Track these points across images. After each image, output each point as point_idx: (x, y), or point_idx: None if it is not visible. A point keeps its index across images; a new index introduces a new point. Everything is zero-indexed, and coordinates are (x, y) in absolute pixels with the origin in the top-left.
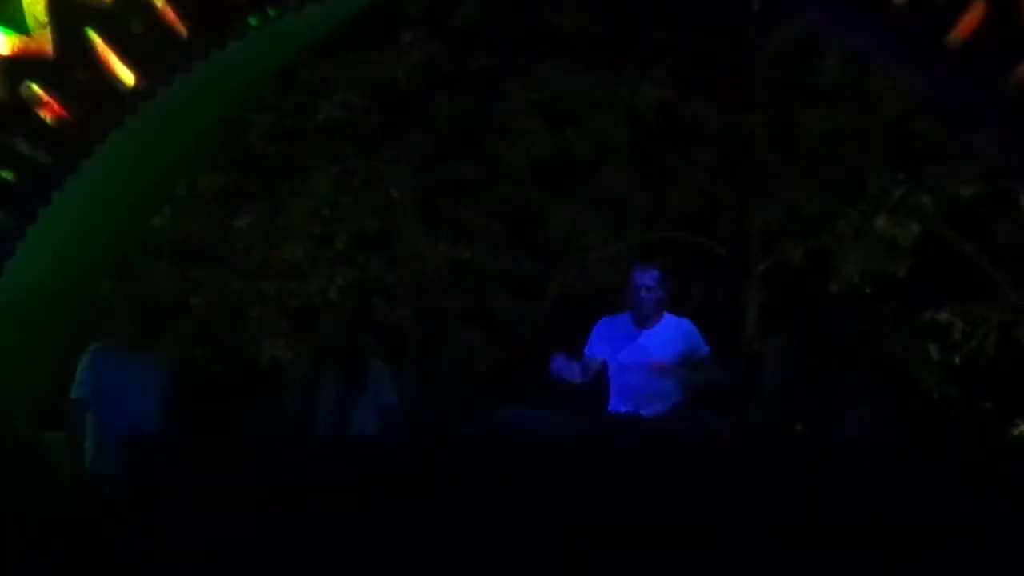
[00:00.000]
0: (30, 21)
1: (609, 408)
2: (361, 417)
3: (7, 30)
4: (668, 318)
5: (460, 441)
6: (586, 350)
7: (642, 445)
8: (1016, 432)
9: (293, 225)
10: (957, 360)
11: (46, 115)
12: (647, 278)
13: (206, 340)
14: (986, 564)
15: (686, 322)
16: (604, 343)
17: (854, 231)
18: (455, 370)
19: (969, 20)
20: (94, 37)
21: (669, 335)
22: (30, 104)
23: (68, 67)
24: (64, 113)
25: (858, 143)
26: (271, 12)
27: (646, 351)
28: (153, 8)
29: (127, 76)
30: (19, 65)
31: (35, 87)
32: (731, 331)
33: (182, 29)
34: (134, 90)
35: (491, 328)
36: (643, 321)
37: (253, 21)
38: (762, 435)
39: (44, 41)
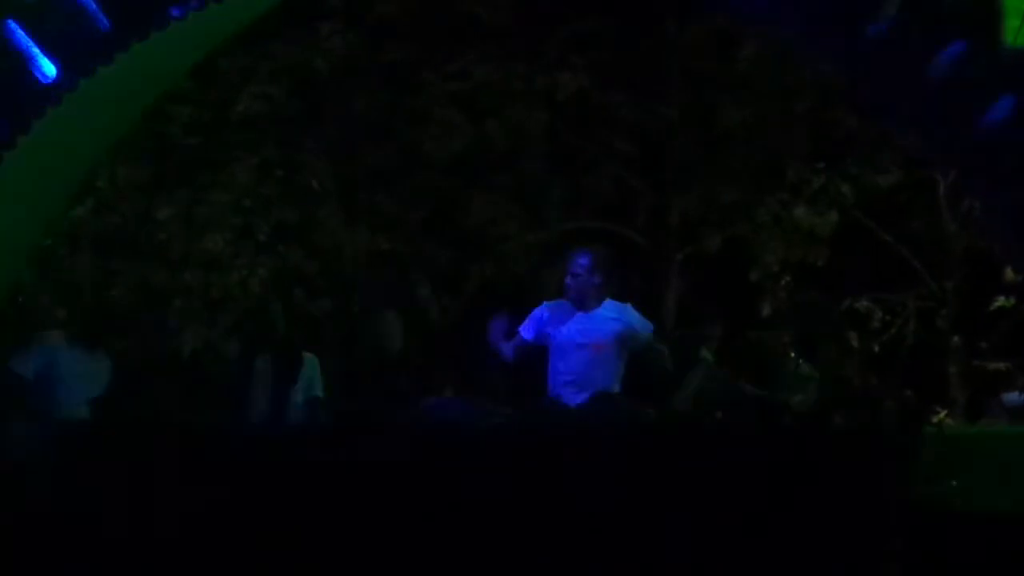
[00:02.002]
0: None
1: (549, 391)
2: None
3: None
4: (608, 302)
5: (382, 429)
6: (520, 328)
7: (559, 433)
8: (935, 420)
9: (214, 216)
10: (876, 348)
11: None
12: (577, 265)
13: (129, 332)
14: (904, 550)
15: (626, 306)
16: (540, 325)
17: (773, 220)
18: (375, 360)
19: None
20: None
21: (605, 317)
22: None
23: None
24: None
25: (776, 132)
26: (192, 3)
27: (582, 333)
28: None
29: (49, 67)
30: None
31: None
32: (651, 320)
33: (104, 21)
34: (56, 81)
35: (411, 317)
36: (580, 304)
37: (175, 12)
38: (681, 423)
39: None
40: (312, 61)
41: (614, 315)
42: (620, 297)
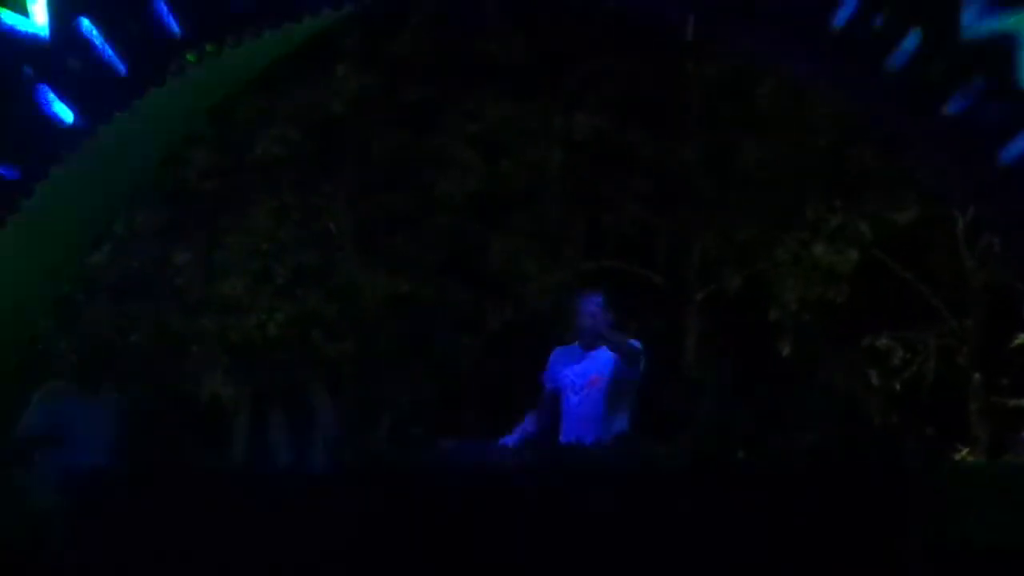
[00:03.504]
0: None
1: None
2: (310, 450)
3: None
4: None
5: (400, 472)
6: (543, 377)
7: (581, 475)
8: (957, 457)
9: (232, 260)
10: (897, 386)
11: None
12: (591, 305)
13: (146, 377)
14: None
15: (634, 342)
16: (553, 367)
17: (792, 258)
18: (394, 402)
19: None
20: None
21: (609, 354)
22: None
23: (6, 105)
24: (3, 151)
25: (794, 170)
26: (208, 48)
27: (587, 372)
28: (91, 45)
29: (66, 113)
30: None
31: None
32: (671, 360)
33: (120, 66)
34: (73, 127)
35: (430, 359)
36: (588, 345)
37: (190, 58)
38: (703, 464)
39: None
40: (328, 103)
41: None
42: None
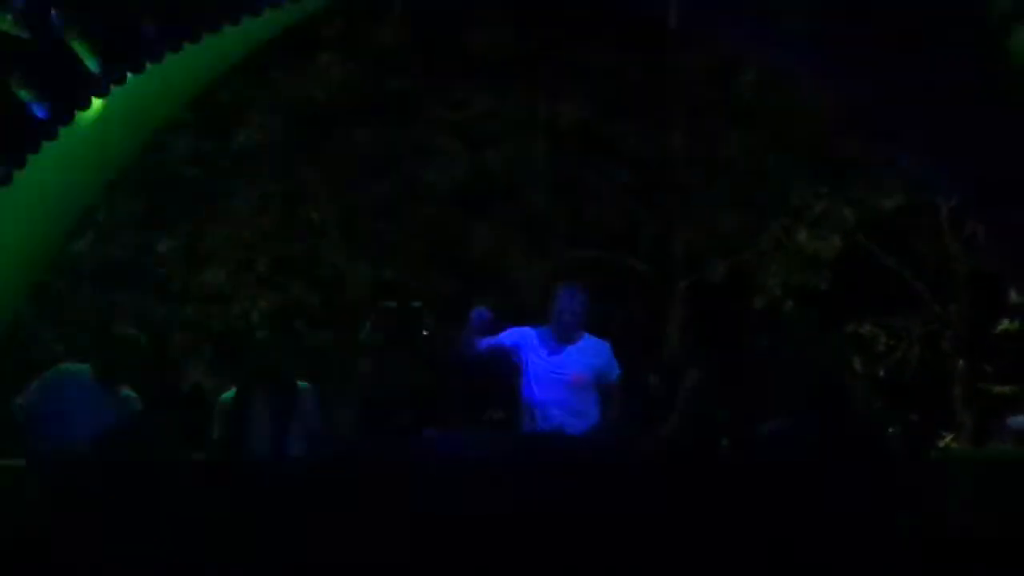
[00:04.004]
0: None
1: (524, 422)
2: (293, 442)
3: None
4: (587, 337)
5: (384, 462)
6: (503, 334)
7: (565, 464)
8: (941, 444)
9: (214, 249)
10: (881, 372)
11: None
12: (574, 300)
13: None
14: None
15: (605, 343)
16: (524, 342)
17: (776, 245)
18: (378, 392)
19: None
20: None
21: (588, 352)
22: None
23: None
24: None
25: (778, 158)
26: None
27: (566, 365)
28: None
29: (44, 102)
30: None
31: None
32: (654, 349)
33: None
34: (51, 115)
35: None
36: (565, 338)
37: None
38: (685, 452)
39: None
40: (311, 92)
41: (595, 350)
42: (603, 328)
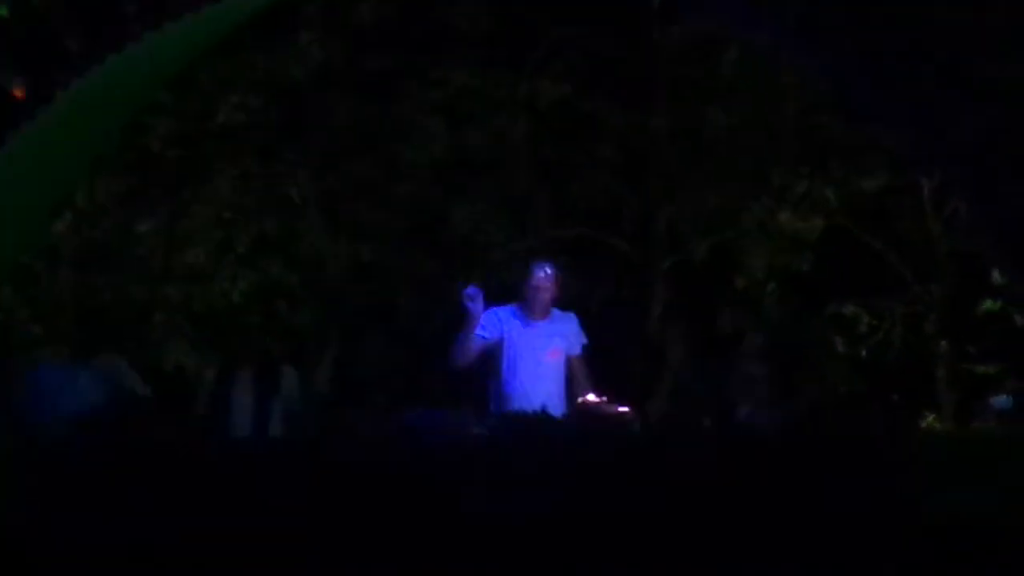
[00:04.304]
0: None
1: (493, 398)
2: (275, 421)
3: None
4: (555, 312)
5: (365, 442)
6: (480, 330)
7: (548, 443)
8: (924, 424)
9: (195, 229)
10: (864, 353)
11: None
12: (546, 277)
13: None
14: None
15: (571, 314)
16: (499, 326)
17: (758, 225)
18: (359, 371)
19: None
20: None
21: (558, 327)
22: None
23: None
24: None
25: (760, 137)
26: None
27: (541, 341)
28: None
29: (21, 82)
30: None
31: None
32: (636, 329)
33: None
34: (30, 95)
35: (395, 328)
36: (538, 314)
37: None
38: (668, 429)
39: None
40: (291, 71)
41: (564, 324)
42: (582, 304)
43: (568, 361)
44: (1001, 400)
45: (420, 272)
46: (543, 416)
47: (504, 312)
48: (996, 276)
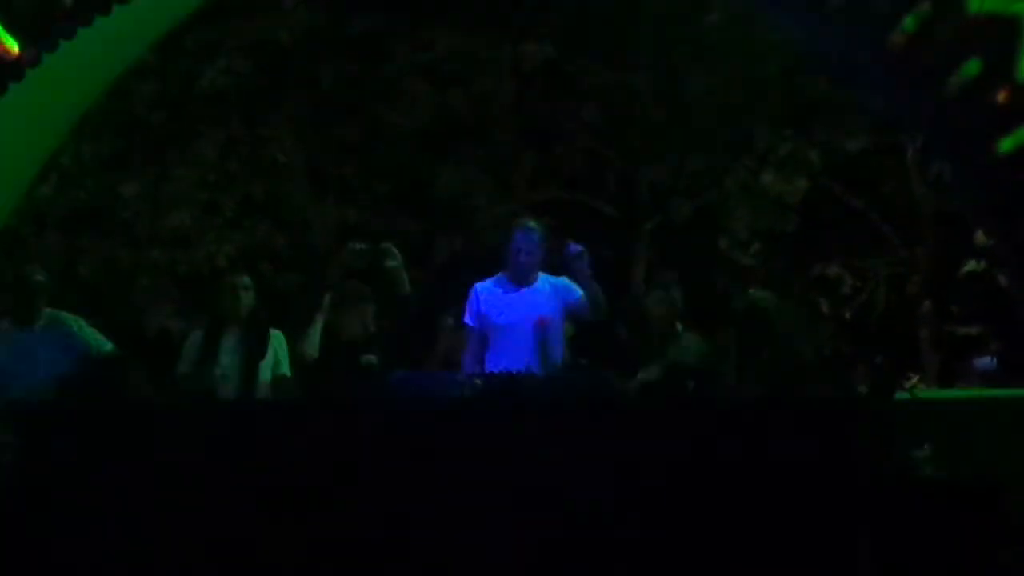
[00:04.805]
0: None
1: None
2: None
3: None
4: (543, 277)
5: (351, 403)
6: (466, 319)
7: (534, 404)
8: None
9: (180, 192)
10: (848, 314)
11: None
12: (530, 241)
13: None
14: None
15: (561, 279)
16: (482, 307)
17: (741, 187)
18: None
19: None
20: None
21: (548, 291)
22: None
23: None
24: None
25: (744, 99)
26: None
27: (529, 308)
28: None
29: (12, 42)
30: None
31: None
32: (621, 289)
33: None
34: (19, 57)
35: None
36: (522, 280)
37: None
38: (653, 393)
39: None
40: (276, 34)
41: (554, 288)
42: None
43: (565, 316)
44: (984, 362)
45: (404, 234)
46: (527, 377)
47: (484, 288)
48: (979, 237)
